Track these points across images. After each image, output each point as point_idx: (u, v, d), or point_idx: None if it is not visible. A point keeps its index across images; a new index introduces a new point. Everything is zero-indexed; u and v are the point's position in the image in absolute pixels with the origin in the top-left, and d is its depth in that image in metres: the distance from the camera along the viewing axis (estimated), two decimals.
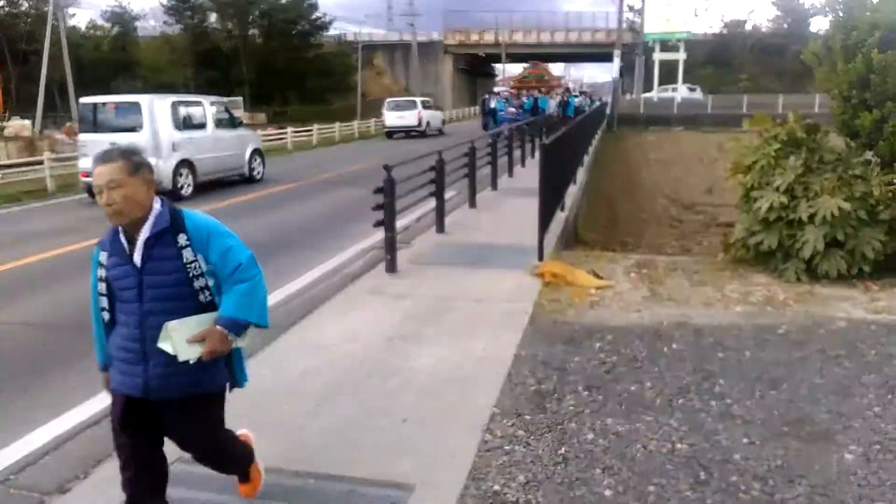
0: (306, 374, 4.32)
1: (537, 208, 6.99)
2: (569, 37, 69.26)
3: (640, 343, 4.73)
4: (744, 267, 6.76)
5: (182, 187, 12.80)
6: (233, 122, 15.75)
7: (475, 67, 78.66)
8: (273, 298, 6.06)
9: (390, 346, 4.74)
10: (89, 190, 11.07)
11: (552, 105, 29.95)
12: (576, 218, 11.71)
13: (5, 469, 3.34)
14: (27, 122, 28.33)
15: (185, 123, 13.38)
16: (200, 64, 59.30)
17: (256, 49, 61.39)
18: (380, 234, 7.08)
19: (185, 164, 12.94)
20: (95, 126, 12.90)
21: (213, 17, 62.30)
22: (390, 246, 6.71)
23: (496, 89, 43.88)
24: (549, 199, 7.61)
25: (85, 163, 12.13)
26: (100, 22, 64.70)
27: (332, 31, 65.26)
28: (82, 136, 13.37)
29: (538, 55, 63.95)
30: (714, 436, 3.46)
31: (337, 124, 34.36)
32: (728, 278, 6.42)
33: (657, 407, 3.77)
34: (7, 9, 56.71)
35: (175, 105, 13.26)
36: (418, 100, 34.65)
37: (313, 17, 62.72)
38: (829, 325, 5.04)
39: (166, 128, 12.68)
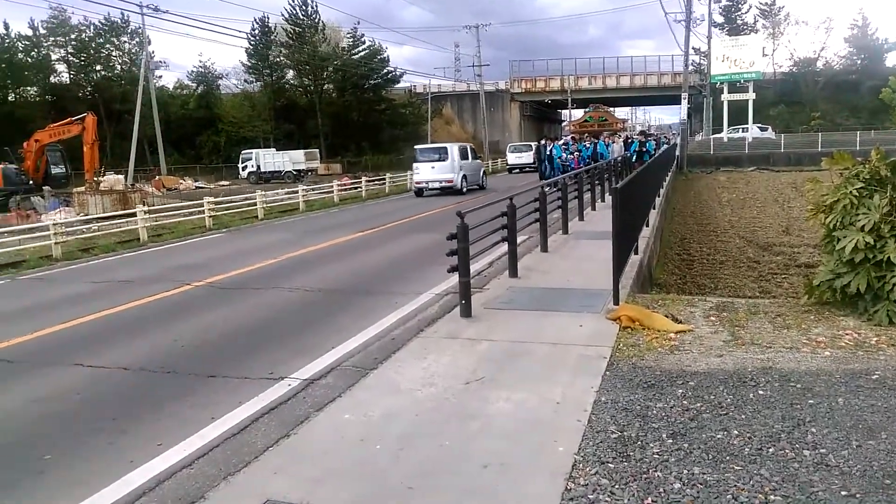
0: (387, 417, 4.40)
1: (610, 252, 6.96)
2: (634, 81, 69.11)
3: (723, 389, 4.60)
4: (829, 309, 6.51)
5: (462, 189, 25.43)
6: (474, 156, 28.38)
7: (541, 113, 79.30)
8: (355, 342, 6.24)
9: (468, 390, 4.78)
10: (418, 192, 26.30)
11: (615, 149, 28.70)
12: (650, 260, 11.55)
13: None
14: (120, 177, 30.04)
15: (462, 155, 26.03)
16: (279, 118, 61.94)
17: (331, 103, 63.75)
18: (454, 279, 7.18)
19: (464, 177, 25.80)
20: (420, 158, 26.21)
21: (290, 74, 65.23)
22: (465, 291, 6.79)
23: (563, 136, 43.62)
24: (623, 242, 7.56)
25: (416, 177, 26.31)
26: (186, 81, 68.72)
27: (402, 84, 67.20)
28: (416, 165, 26.45)
29: (604, 100, 64.02)
30: (809, 487, 3.32)
31: (408, 173, 35.04)
32: (813, 321, 6.19)
33: (746, 456, 3.66)
34: (103, 72, 60.94)
35: (461, 147, 26.55)
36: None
37: (384, 71, 64.78)
38: None
39: (456, 157, 25.52)
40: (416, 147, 29.33)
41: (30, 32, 58.11)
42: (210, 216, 18.57)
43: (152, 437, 4.40)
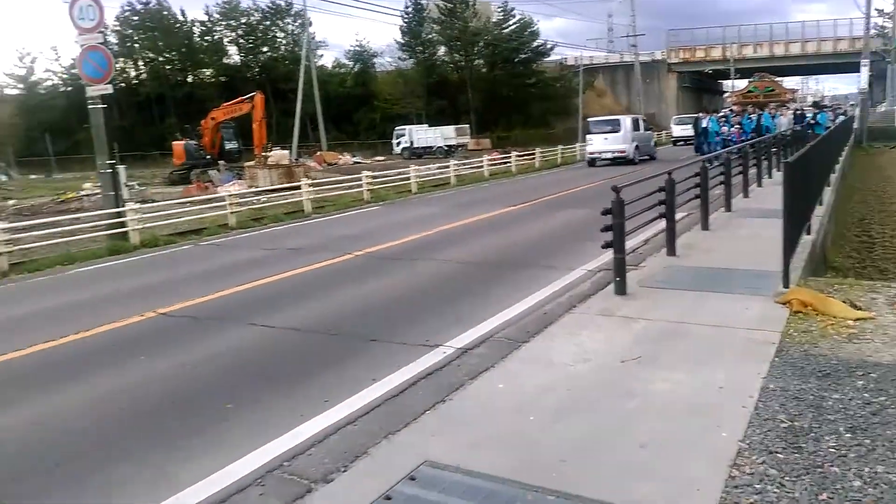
0: (540, 389, 4.42)
1: (778, 231, 6.49)
2: (806, 48, 63.31)
3: None
4: None
5: (635, 159, 26.49)
6: (646, 127, 29.66)
7: (700, 83, 74.91)
8: (507, 314, 6.31)
9: (623, 369, 4.68)
10: (591, 162, 27.70)
11: (783, 122, 26.08)
12: (823, 242, 10.66)
13: (279, 456, 3.78)
14: (286, 152, 31.98)
15: (635, 127, 27.34)
16: (430, 94, 63.17)
17: (481, 78, 64.10)
18: (607, 256, 7.04)
19: (636, 147, 26.87)
20: (593, 130, 27.64)
21: (441, 50, 66.19)
22: (619, 267, 6.62)
23: (724, 108, 40.64)
24: (794, 221, 7.01)
25: (589, 148, 27.81)
26: (343, 60, 71.71)
27: (553, 57, 66.13)
28: (589, 137, 27.96)
29: (770, 69, 59.31)
30: None
31: (559, 147, 34.61)
32: None
33: None
34: (269, 53, 65.03)
35: (633, 119, 27.98)
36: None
37: (535, 44, 64.04)
38: None
39: (629, 129, 26.68)
40: (588, 119, 30.39)
41: (204, 18, 63.12)
42: (368, 190, 19.36)
43: (319, 394, 4.71)
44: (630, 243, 7.64)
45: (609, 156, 26.82)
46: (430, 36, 65.19)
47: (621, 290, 6.58)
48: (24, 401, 4.97)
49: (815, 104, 35.23)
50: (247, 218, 15.61)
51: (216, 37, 64.13)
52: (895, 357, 4.64)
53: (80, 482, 3.71)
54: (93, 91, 13.30)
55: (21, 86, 63.21)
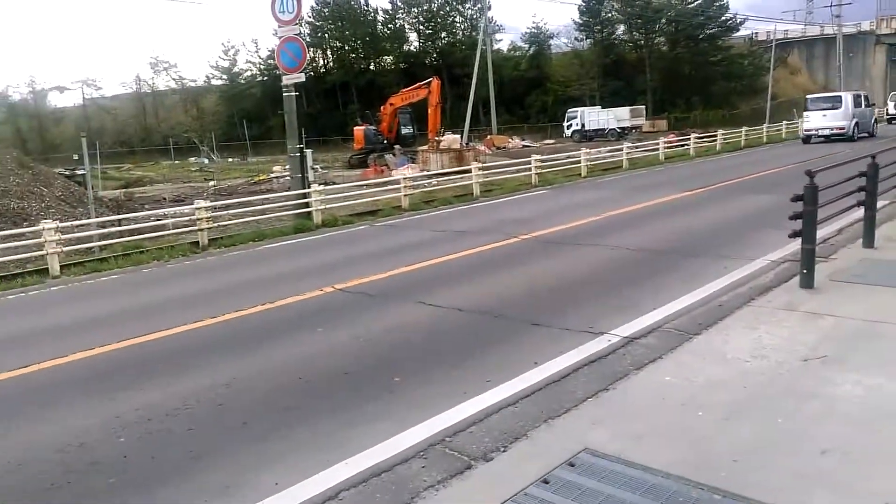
0: (711, 384, 4.20)
1: None
2: None
3: None
4: None
5: (853, 136, 26.25)
6: (867, 104, 29.41)
7: None
8: (678, 304, 6.06)
9: (806, 368, 4.33)
10: (806, 139, 27.88)
11: None
12: None
13: (441, 431, 3.91)
14: (457, 137, 32.71)
15: (856, 104, 27.17)
16: (606, 75, 61.66)
17: (661, 56, 61.53)
18: (792, 246, 6.54)
19: (856, 125, 26.96)
20: (811, 108, 27.96)
21: (620, 29, 64.22)
22: (808, 259, 6.10)
23: None
24: None
25: (806, 125, 27.89)
26: (519, 43, 71.81)
27: (741, 32, 61.83)
28: (806, 113, 28.25)
29: None
30: None
31: (743, 129, 32.41)
32: None
33: None
34: (447, 39, 66.64)
35: (854, 95, 27.94)
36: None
37: (723, 18, 60.17)
38: None
39: (850, 106, 26.73)
40: (807, 97, 31.51)
41: (388, 6, 65.86)
42: (536, 173, 19.32)
43: (482, 374, 4.81)
44: (821, 233, 7.01)
45: (826, 132, 27.03)
46: (609, 14, 63.38)
47: (808, 283, 6.07)
48: (217, 365, 5.52)
49: None
50: (419, 200, 16.20)
51: (398, 24, 66.75)
52: None
53: (264, 440, 4.08)
54: (287, 79, 14.40)
55: (224, 77, 69.81)
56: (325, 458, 3.72)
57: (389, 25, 66.10)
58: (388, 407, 4.40)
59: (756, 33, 64.92)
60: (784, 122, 37.45)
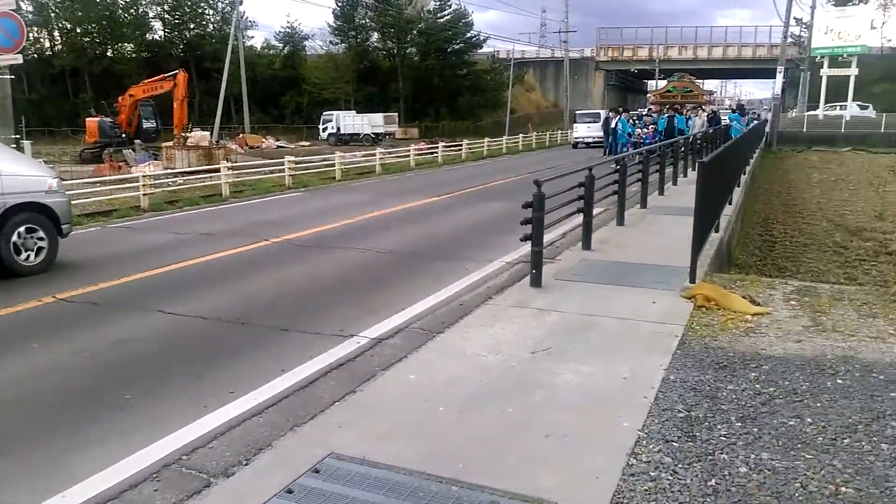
0: (452, 380, 4.43)
1: (688, 228, 6.74)
2: (727, 52, 66.10)
3: (800, 375, 4.42)
4: None
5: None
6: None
7: (626, 83, 76.96)
8: (423, 305, 6.31)
9: (534, 360, 4.76)
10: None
11: (697, 124, 25.06)
12: (730, 240, 11.14)
13: (178, 450, 3.65)
14: (206, 134, 31.04)
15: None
16: (361, 80, 62.47)
17: (413, 66, 63.82)
18: (525, 248, 7.13)
19: None
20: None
21: (374, 36, 65.53)
22: (536, 260, 6.73)
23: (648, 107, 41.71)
24: (704, 219, 7.30)
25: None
26: (273, 42, 70.07)
27: (485, 49, 66.51)
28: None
29: (694, 71, 61.55)
30: (885, 482, 3.17)
31: (486, 140, 34.91)
32: None
33: (819, 445, 3.52)
34: (196, 31, 62.86)
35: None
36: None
37: (468, 35, 64.23)
38: None
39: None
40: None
41: None
42: (290, 175, 19.00)
43: (225, 385, 4.58)
44: (548, 237, 7.77)
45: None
46: (363, 21, 64.40)
47: (537, 282, 6.69)
48: None
49: (739, 107, 36.39)
50: (161, 201, 15.06)
51: (140, 10, 61.42)
52: (786, 351, 4.89)
53: None
54: (1, 61, 12.54)
55: None
56: (41, 489, 3.28)
57: (131, 11, 60.59)
58: (118, 427, 4.01)
59: (497, 51, 70.34)
60: (521, 135, 41.07)
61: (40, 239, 8.11)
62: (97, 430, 3.98)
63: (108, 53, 60.15)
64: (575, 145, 36.45)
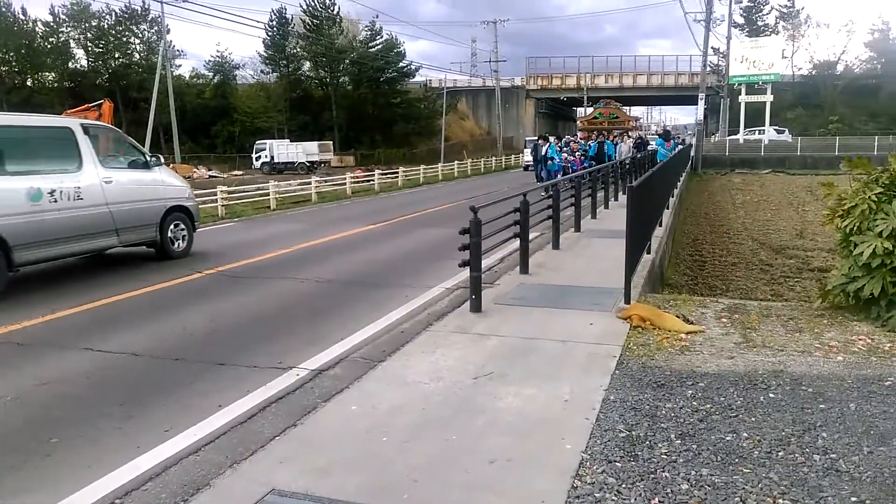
0: (394, 409, 4.39)
1: (622, 250, 6.92)
2: (651, 80, 68.75)
3: (734, 391, 4.56)
4: (843, 314, 6.44)
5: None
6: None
7: (556, 110, 78.96)
8: (364, 333, 6.25)
9: (476, 386, 4.76)
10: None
11: (624, 150, 25.56)
12: (662, 260, 11.48)
13: (111, 493, 3.49)
14: None
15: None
16: (294, 109, 62.08)
17: (346, 95, 63.84)
18: (464, 274, 7.16)
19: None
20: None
21: (306, 65, 65.33)
22: (475, 286, 6.77)
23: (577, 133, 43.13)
24: (636, 241, 7.51)
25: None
26: (203, 71, 69.05)
27: (417, 78, 67.16)
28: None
29: (620, 98, 63.79)
30: (819, 492, 3.28)
31: (421, 167, 35.09)
32: (826, 326, 6.13)
33: (755, 459, 3.62)
34: (122, 60, 61.35)
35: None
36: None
37: (400, 64, 64.78)
38: None
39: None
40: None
41: (50, 18, 58.54)
42: (223, 205, 18.63)
43: (160, 423, 4.41)
44: (486, 262, 7.83)
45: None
46: (294, 50, 64.18)
47: (477, 307, 6.72)
48: None
49: (664, 132, 37.80)
50: None
51: (62, 39, 59.56)
52: (720, 367, 5.04)
53: None
54: None
55: None
56: None
57: (51, 39, 58.66)
58: (43, 474, 3.80)
59: (430, 80, 71.17)
60: (456, 161, 41.51)
61: (182, 231, 11.11)
62: (19, 480, 3.76)
63: (28, 83, 58.08)
64: (526, 168, 38.38)
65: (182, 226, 11.06)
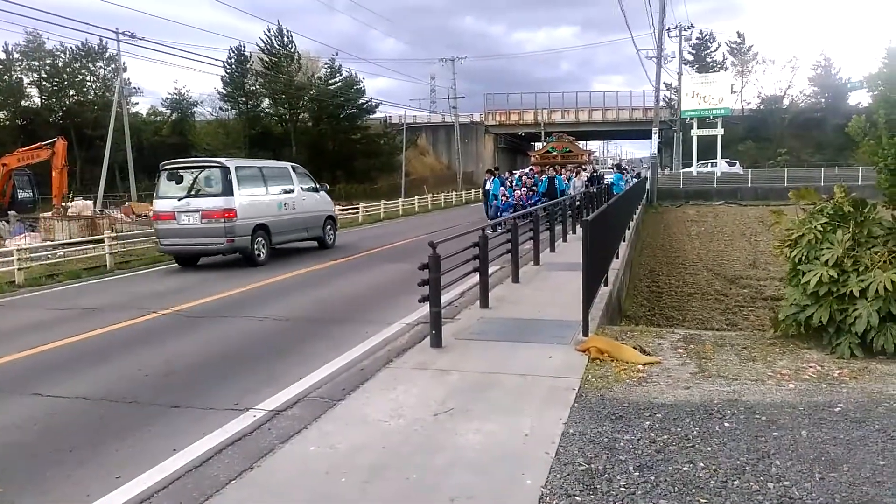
0: (354, 449, 4.34)
1: (580, 283, 7.01)
2: (606, 115, 70.47)
3: (690, 421, 4.63)
4: (794, 343, 6.61)
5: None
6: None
7: (515, 145, 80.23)
8: (323, 372, 6.18)
9: (437, 422, 4.74)
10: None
11: (577, 184, 24.83)
12: (619, 292, 11.64)
13: None
14: (89, 203, 29.65)
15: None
16: (253, 146, 61.74)
17: (306, 132, 63.81)
18: (424, 309, 7.16)
19: None
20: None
21: (265, 102, 65.23)
22: (436, 321, 6.77)
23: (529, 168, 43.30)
24: (593, 274, 7.62)
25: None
26: (160, 108, 68.41)
27: (377, 115, 67.57)
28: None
29: (576, 133, 65.18)
30: None
31: (382, 202, 35.14)
32: (778, 354, 6.28)
33: (711, 488, 3.67)
34: (76, 97, 60.47)
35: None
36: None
37: (360, 101, 65.13)
38: (889, 403, 4.87)
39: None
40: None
41: (2, 56, 57.55)
42: None
43: (111, 470, 4.29)
44: (446, 297, 7.86)
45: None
46: (253, 88, 64.09)
47: (437, 343, 6.72)
48: None
49: (617, 166, 38.52)
50: (39, 275, 14.13)
51: (14, 77, 58.53)
52: (676, 398, 5.12)
53: None
54: None
55: None
56: None
57: (4, 77, 57.63)
58: None
59: (390, 116, 71.64)
60: (416, 196, 41.71)
61: (331, 231, 17.64)
62: None
63: None
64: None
65: (331, 229, 17.54)
